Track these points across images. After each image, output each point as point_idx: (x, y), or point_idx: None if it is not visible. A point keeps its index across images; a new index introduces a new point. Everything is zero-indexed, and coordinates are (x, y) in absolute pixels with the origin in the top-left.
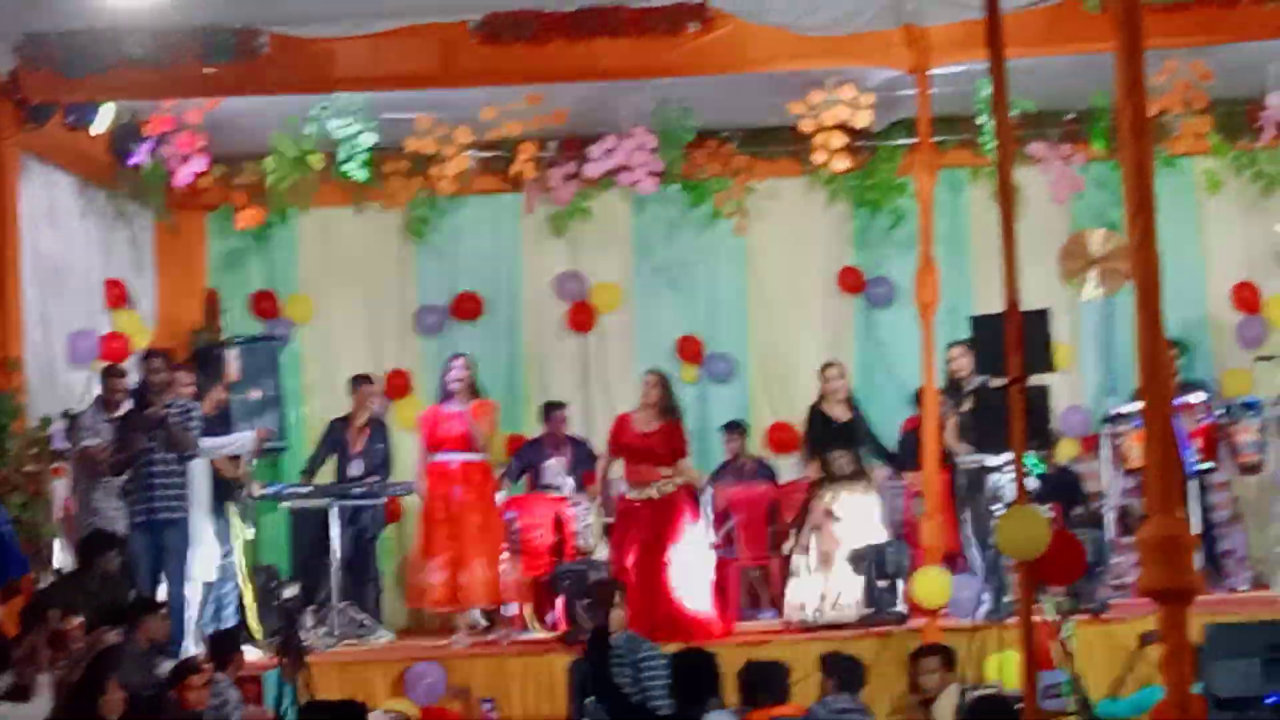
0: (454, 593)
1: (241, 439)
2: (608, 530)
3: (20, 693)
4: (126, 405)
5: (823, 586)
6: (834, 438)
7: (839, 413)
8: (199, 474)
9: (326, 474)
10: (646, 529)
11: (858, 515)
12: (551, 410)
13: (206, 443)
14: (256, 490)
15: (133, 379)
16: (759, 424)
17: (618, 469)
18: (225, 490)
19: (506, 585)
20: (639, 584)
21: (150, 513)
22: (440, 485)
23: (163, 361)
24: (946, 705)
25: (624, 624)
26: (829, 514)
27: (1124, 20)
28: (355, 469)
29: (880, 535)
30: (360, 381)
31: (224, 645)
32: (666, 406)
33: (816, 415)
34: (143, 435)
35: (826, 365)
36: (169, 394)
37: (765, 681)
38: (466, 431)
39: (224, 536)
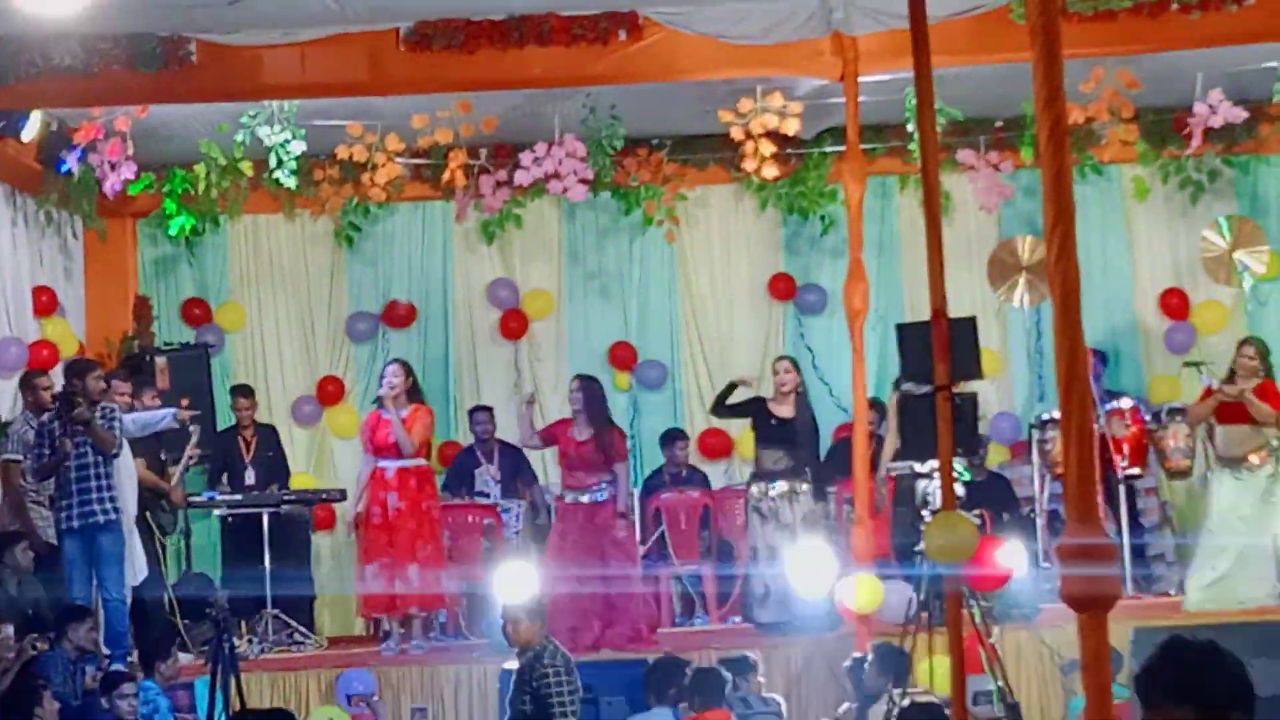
0: (393, 599)
1: (163, 414)
2: (537, 532)
3: None
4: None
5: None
6: (774, 435)
7: (783, 410)
8: (124, 478)
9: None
10: (581, 534)
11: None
12: (477, 414)
13: (130, 419)
14: (178, 497)
15: (57, 385)
16: (691, 430)
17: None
18: (142, 499)
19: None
20: (574, 592)
21: (83, 517)
22: (380, 491)
23: (100, 372)
24: (878, 710)
25: (526, 640)
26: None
27: (1041, 30)
28: (250, 478)
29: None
30: (236, 393)
31: (152, 652)
32: (595, 412)
33: (761, 411)
34: (68, 439)
35: (777, 360)
36: (103, 401)
37: (702, 685)
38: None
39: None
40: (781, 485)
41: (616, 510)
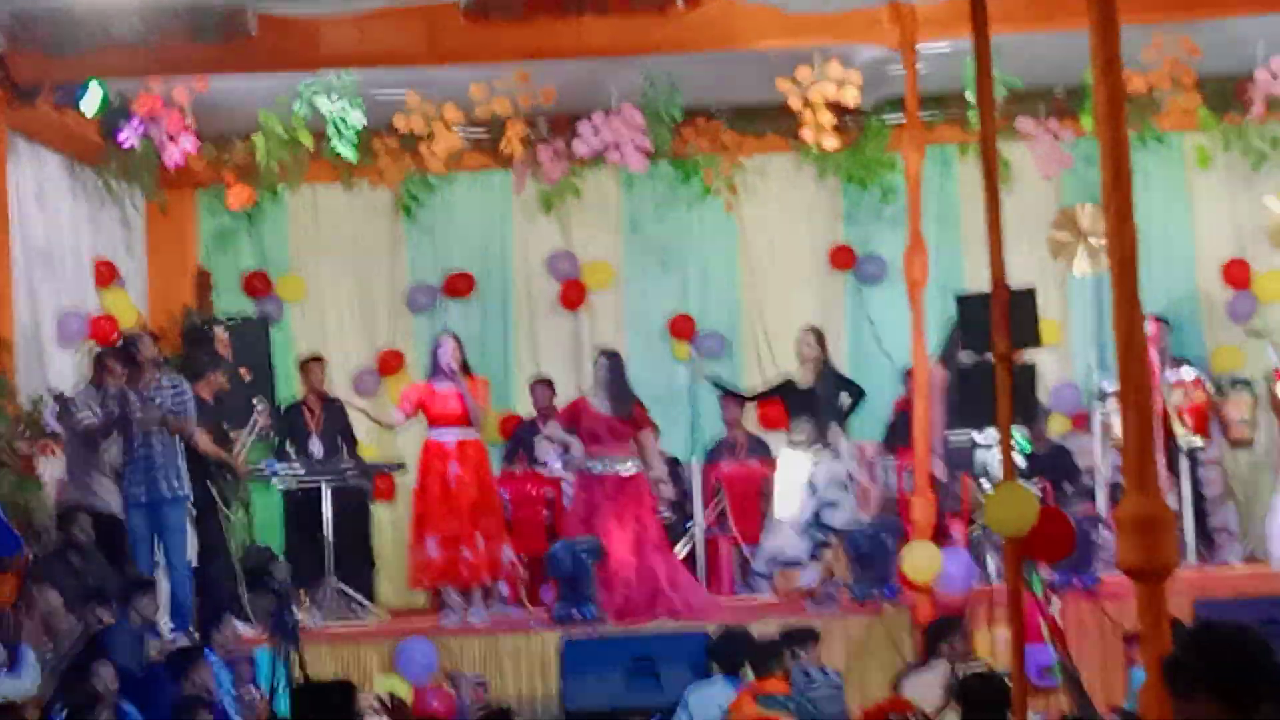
0: (455, 569)
1: None
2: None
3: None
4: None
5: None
6: (795, 404)
7: (803, 379)
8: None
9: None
10: (612, 507)
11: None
12: (538, 386)
13: None
14: (241, 468)
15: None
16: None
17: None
18: (207, 471)
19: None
20: (620, 563)
21: (150, 492)
22: (437, 463)
23: (151, 341)
24: (935, 681)
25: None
26: None
27: None
28: (316, 450)
29: (823, 502)
30: (307, 363)
31: (209, 622)
32: (616, 389)
33: (787, 383)
34: (135, 405)
35: (802, 331)
36: (148, 374)
37: (760, 655)
38: (463, 409)
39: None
40: (805, 454)
41: (648, 484)
